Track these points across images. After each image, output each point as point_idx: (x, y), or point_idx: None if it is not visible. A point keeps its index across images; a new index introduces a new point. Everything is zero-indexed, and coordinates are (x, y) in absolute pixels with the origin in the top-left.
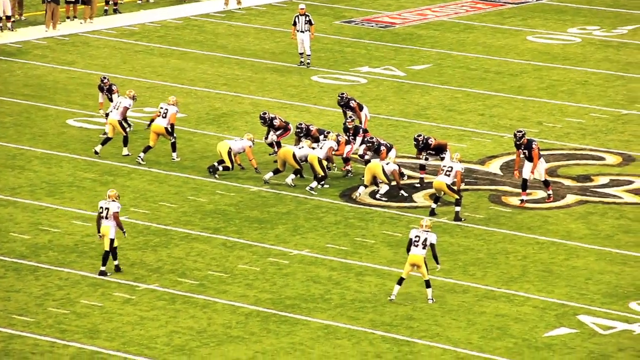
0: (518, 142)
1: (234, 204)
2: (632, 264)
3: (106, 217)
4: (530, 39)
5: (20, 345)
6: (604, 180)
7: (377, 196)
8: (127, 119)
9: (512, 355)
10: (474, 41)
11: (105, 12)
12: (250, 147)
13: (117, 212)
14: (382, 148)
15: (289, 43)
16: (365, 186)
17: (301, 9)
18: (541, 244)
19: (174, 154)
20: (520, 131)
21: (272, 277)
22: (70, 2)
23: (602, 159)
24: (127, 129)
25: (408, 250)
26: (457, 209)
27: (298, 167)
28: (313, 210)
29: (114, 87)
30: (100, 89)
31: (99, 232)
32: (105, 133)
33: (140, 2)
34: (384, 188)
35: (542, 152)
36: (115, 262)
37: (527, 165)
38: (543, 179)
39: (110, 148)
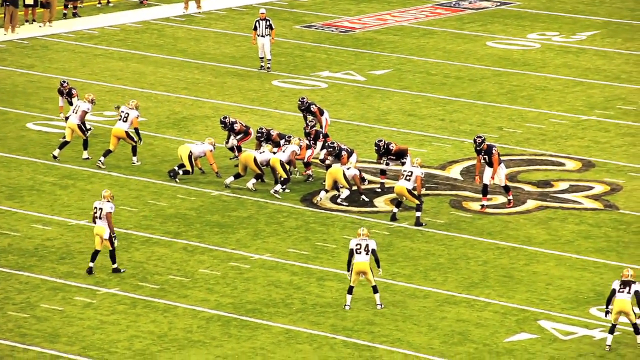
0: (478, 148)
1: (194, 208)
2: (592, 270)
3: (99, 218)
4: (490, 44)
5: None
6: (564, 185)
7: (338, 201)
8: (86, 122)
9: None
10: (434, 46)
11: (65, 16)
12: (211, 151)
13: (110, 213)
14: (343, 153)
15: (249, 47)
16: (327, 191)
17: (262, 13)
18: (502, 249)
19: (134, 158)
20: (480, 137)
21: (233, 282)
22: (29, 6)
23: (562, 164)
24: (87, 132)
25: (349, 261)
26: (418, 214)
27: (259, 171)
28: (274, 215)
29: (73, 91)
30: (60, 92)
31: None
32: (64, 137)
33: (99, 5)
34: (345, 193)
35: (502, 158)
36: (114, 265)
37: (488, 171)
38: (503, 185)
39: (70, 152)
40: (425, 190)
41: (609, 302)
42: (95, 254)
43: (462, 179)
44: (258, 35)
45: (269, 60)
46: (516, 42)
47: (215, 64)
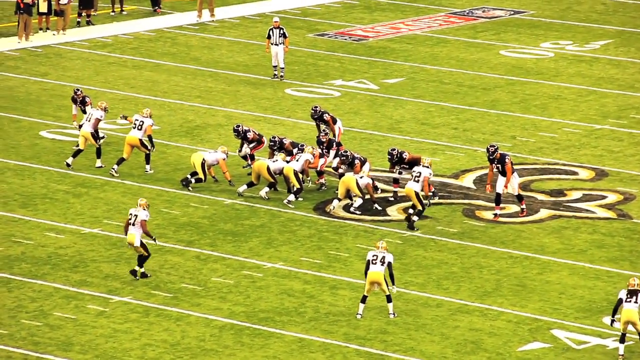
0: (491, 157)
1: (207, 216)
2: (605, 279)
3: (133, 224)
4: (503, 53)
5: None
6: (577, 195)
7: (351, 209)
8: (99, 130)
9: None
10: (447, 55)
11: (78, 24)
12: (224, 159)
13: (145, 220)
14: (356, 161)
15: (262, 56)
16: (339, 199)
17: (275, 22)
18: (515, 259)
19: (148, 167)
20: (493, 146)
21: (246, 290)
22: (43, 14)
23: (575, 173)
24: (100, 141)
25: (366, 271)
26: (415, 218)
27: (272, 180)
28: (287, 223)
29: (87, 99)
30: (74, 100)
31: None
32: (77, 145)
33: (113, 14)
34: (358, 201)
35: (515, 167)
36: (142, 270)
37: (501, 180)
38: (516, 194)
39: (84, 160)
40: (439, 199)
41: (615, 311)
42: (139, 258)
43: (475, 187)
44: (272, 44)
45: (282, 68)
46: (530, 51)
47: (228, 72)
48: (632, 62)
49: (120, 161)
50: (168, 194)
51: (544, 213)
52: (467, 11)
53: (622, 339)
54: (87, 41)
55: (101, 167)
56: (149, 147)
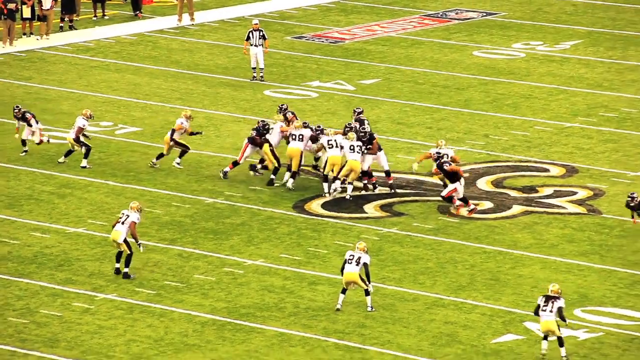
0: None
1: (189, 215)
2: (576, 272)
3: (122, 223)
4: (476, 54)
5: None
6: (549, 191)
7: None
8: (80, 137)
9: None
10: (421, 56)
11: (61, 29)
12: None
13: (135, 223)
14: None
15: (241, 58)
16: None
17: (255, 24)
18: (488, 254)
19: (178, 160)
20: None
21: (227, 287)
22: (27, 19)
23: (547, 170)
24: (86, 144)
25: (342, 270)
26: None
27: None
28: (267, 222)
29: (27, 115)
30: (16, 117)
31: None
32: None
33: (95, 18)
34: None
35: (486, 164)
36: (126, 269)
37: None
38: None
39: (67, 161)
40: (414, 196)
41: (536, 314)
42: (118, 255)
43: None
44: (251, 45)
45: (262, 69)
46: (502, 52)
47: (208, 74)
48: (601, 61)
49: (160, 156)
50: (151, 193)
51: (516, 209)
52: (441, 13)
53: (545, 337)
54: (70, 45)
55: (85, 167)
56: (186, 147)
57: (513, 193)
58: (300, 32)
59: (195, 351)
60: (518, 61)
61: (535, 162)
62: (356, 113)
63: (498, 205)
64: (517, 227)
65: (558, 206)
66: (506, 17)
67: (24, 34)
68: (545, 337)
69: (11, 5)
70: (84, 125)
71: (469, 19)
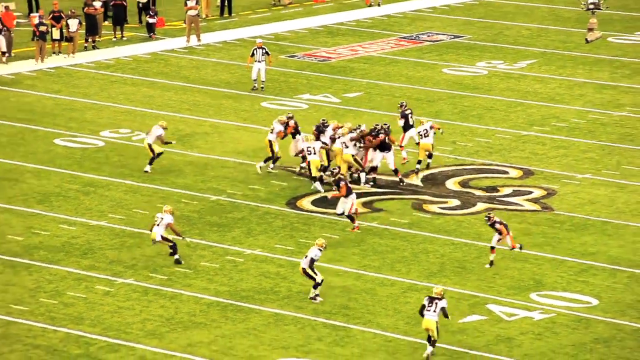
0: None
1: (196, 210)
2: (532, 261)
3: (158, 225)
4: (445, 71)
5: (17, 330)
6: (508, 190)
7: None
8: (153, 144)
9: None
10: (398, 73)
11: (85, 48)
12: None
13: (171, 223)
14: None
15: (242, 74)
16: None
17: (259, 42)
18: (456, 245)
19: (260, 163)
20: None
21: (230, 273)
22: (56, 40)
23: (506, 172)
24: (154, 151)
25: (421, 314)
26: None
27: (358, 166)
28: (264, 216)
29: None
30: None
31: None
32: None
33: (114, 39)
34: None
35: (455, 167)
36: (176, 256)
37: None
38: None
39: (91, 163)
40: (391, 195)
41: (421, 314)
42: (171, 248)
43: (422, 185)
44: (255, 61)
45: (263, 81)
46: (467, 69)
47: (213, 88)
48: (553, 78)
49: (268, 159)
50: (163, 191)
51: (480, 206)
52: (415, 36)
53: (429, 341)
54: (93, 63)
55: (147, 172)
56: (275, 151)
57: (477, 192)
58: (292, 51)
59: (201, 329)
60: (482, 78)
61: (497, 165)
62: (403, 106)
63: (464, 202)
64: (481, 222)
65: (516, 204)
66: (471, 40)
67: (54, 52)
68: (429, 340)
69: (42, 28)
70: (161, 134)
71: (439, 40)
